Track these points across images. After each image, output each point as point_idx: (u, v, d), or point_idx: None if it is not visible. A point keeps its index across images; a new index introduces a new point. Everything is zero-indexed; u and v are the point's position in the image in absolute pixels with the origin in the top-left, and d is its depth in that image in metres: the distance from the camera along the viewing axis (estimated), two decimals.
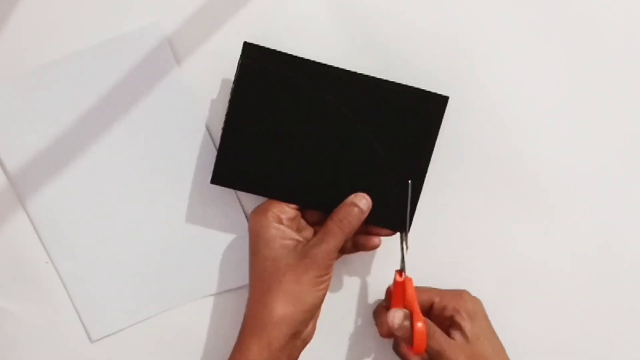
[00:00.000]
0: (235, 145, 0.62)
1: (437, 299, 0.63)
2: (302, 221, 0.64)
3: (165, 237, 0.66)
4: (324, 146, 0.63)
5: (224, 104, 0.64)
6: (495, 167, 0.67)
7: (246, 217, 0.66)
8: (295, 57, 0.62)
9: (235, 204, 0.66)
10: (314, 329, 0.63)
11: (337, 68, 0.62)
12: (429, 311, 0.63)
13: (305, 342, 0.62)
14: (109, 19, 0.65)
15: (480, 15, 0.67)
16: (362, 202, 0.62)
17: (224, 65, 0.65)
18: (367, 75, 0.62)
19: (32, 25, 0.64)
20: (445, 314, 0.62)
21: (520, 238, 0.67)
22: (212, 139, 0.66)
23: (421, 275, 0.63)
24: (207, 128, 0.66)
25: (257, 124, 0.62)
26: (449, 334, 0.61)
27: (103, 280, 0.66)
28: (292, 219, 0.63)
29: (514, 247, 0.68)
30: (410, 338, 0.60)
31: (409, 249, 0.63)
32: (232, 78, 0.62)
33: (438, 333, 0.60)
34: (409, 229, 0.63)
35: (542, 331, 0.65)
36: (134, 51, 0.64)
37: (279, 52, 0.62)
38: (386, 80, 0.62)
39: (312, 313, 0.61)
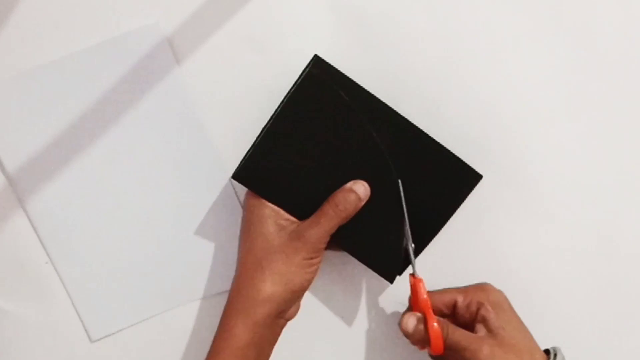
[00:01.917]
0: (269, 148, 0.62)
1: (460, 297, 0.62)
2: None
3: (165, 238, 0.66)
4: (351, 178, 0.62)
5: (224, 105, 0.64)
6: (500, 172, 0.67)
7: None
8: (358, 85, 0.62)
9: (235, 204, 0.66)
10: (297, 308, 0.63)
11: (392, 110, 0.62)
12: (454, 310, 0.63)
13: (288, 320, 0.62)
14: (109, 19, 0.65)
15: (480, 26, 0.67)
16: (360, 189, 0.61)
17: (224, 66, 0.65)
18: (417, 127, 0.63)
19: (32, 25, 0.64)
20: (471, 309, 0.62)
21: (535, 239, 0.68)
22: (211, 140, 0.66)
23: (435, 280, 0.64)
24: (207, 129, 0.66)
25: (298, 136, 0.62)
26: (474, 328, 0.61)
27: (103, 281, 0.66)
28: None
29: (519, 248, 0.68)
30: (427, 340, 0.60)
31: (413, 250, 0.62)
32: (231, 78, 0.62)
33: (453, 329, 0.60)
34: (409, 231, 0.63)
35: (542, 331, 0.65)
36: (134, 51, 0.64)
37: (345, 75, 0.62)
38: (432, 139, 0.63)
39: (299, 294, 0.61)
